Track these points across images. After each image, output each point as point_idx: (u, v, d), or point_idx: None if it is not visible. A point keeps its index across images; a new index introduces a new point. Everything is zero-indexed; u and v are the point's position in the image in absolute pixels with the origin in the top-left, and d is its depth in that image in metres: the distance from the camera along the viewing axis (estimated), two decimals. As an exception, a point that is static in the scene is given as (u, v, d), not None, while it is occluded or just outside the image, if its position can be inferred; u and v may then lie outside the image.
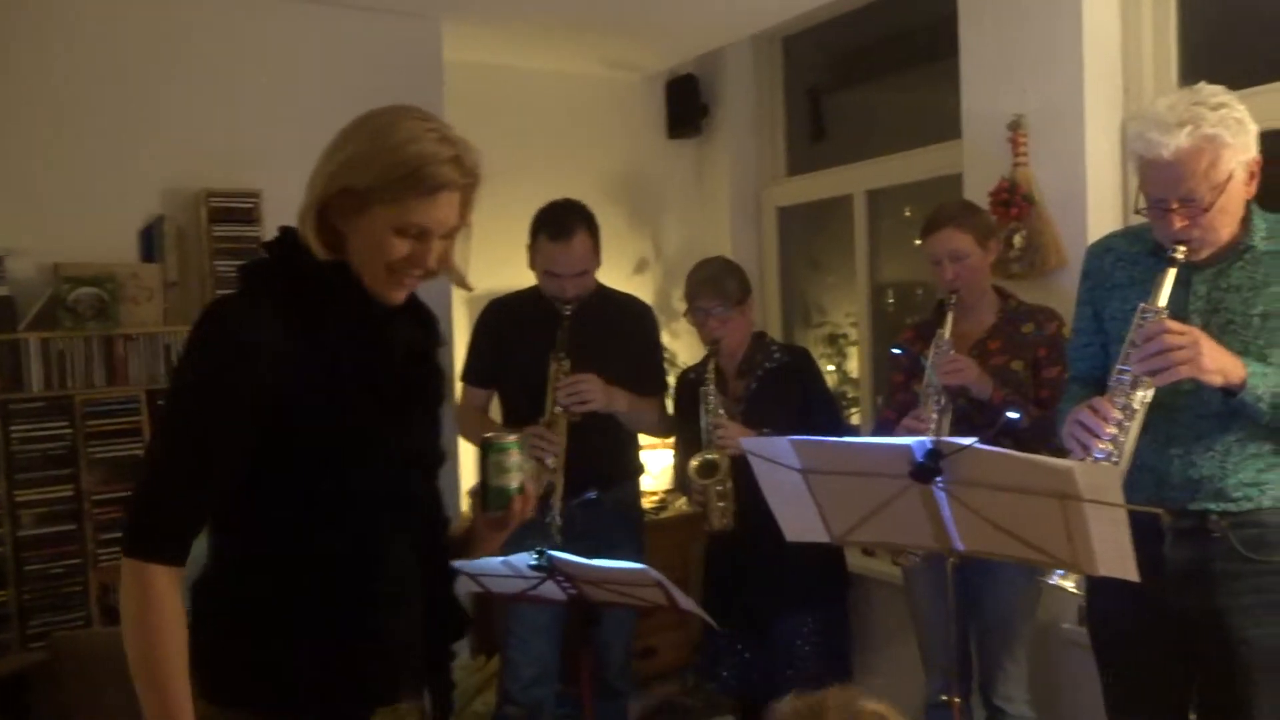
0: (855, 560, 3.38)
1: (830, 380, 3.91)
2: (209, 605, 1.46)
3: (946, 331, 2.46)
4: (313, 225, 1.43)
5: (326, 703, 1.43)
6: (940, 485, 1.76)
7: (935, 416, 2.37)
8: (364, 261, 1.44)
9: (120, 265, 2.91)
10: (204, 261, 3.04)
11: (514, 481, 1.57)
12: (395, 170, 1.39)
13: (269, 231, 3.09)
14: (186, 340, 1.43)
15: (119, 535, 2.72)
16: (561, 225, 2.71)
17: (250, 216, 3.07)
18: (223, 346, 1.39)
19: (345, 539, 1.44)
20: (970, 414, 2.41)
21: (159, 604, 1.34)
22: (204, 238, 3.03)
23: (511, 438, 1.58)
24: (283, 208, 3.05)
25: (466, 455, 3.04)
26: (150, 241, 3.04)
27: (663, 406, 2.99)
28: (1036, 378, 2.49)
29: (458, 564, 1.68)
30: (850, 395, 4.05)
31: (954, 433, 2.26)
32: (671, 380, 3.06)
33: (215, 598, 1.46)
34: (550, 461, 2.58)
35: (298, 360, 1.39)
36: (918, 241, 2.65)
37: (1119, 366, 1.86)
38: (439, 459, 1.61)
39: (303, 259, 1.44)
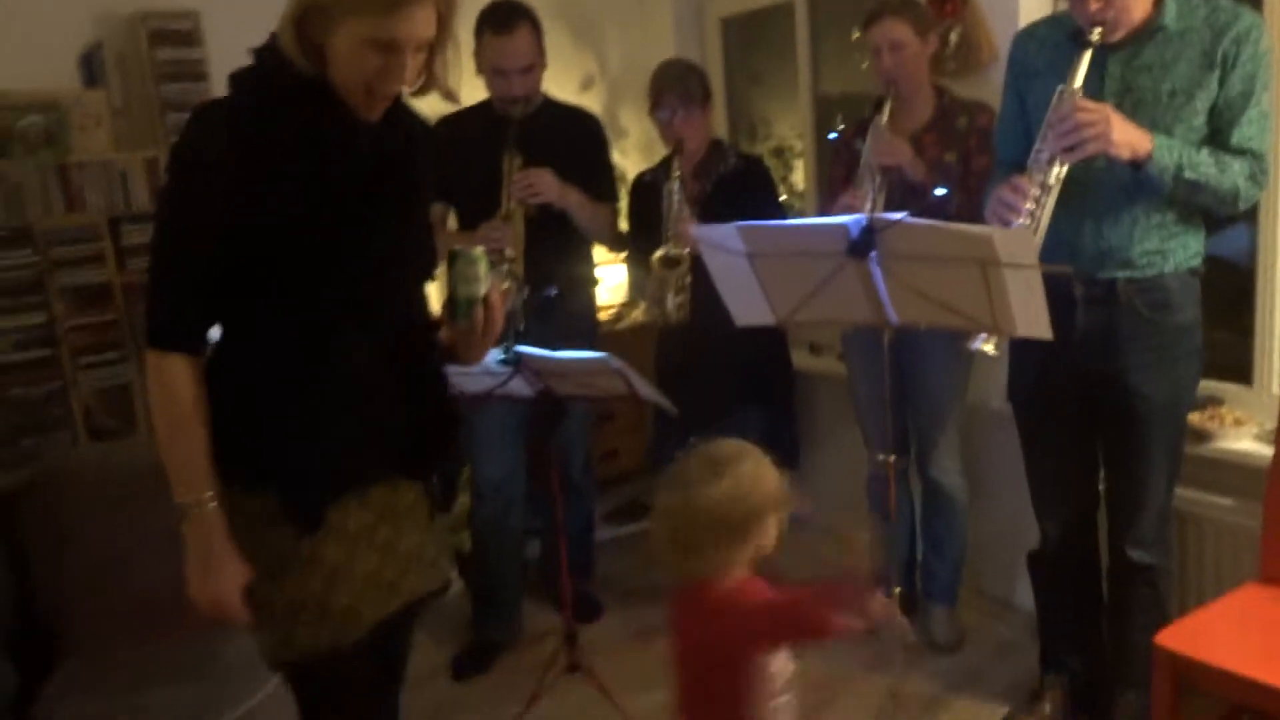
0: (801, 359, 3.59)
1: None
2: (210, 393, 1.58)
3: (884, 117, 2.58)
4: (291, 39, 1.47)
5: (294, 483, 1.55)
6: (874, 260, 1.91)
7: (871, 194, 2.52)
8: (340, 76, 1.48)
9: (63, 92, 2.89)
10: (148, 87, 3.01)
11: (479, 290, 1.61)
12: None
13: (212, 53, 3.10)
14: (171, 152, 1.56)
15: (96, 360, 2.85)
16: (504, 19, 2.76)
17: (190, 38, 3.02)
18: (191, 156, 1.50)
19: (301, 335, 1.54)
20: (904, 198, 2.55)
21: (171, 386, 1.52)
22: (145, 62, 2.99)
23: (478, 249, 1.62)
24: (223, 27, 3.08)
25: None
26: (90, 68, 3.00)
27: (615, 215, 3.09)
28: (966, 167, 2.63)
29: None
30: (796, 207, 4.16)
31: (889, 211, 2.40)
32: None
33: (212, 387, 1.57)
34: (509, 251, 2.70)
35: (258, 169, 1.47)
36: (864, 65, 2.73)
37: (1036, 146, 2.00)
38: (420, 265, 1.69)
39: (281, 71, 1.49)
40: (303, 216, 1.50)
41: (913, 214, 1.85)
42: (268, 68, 1.52)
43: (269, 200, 1.48)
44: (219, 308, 1.56)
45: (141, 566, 2.43)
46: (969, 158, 2.63)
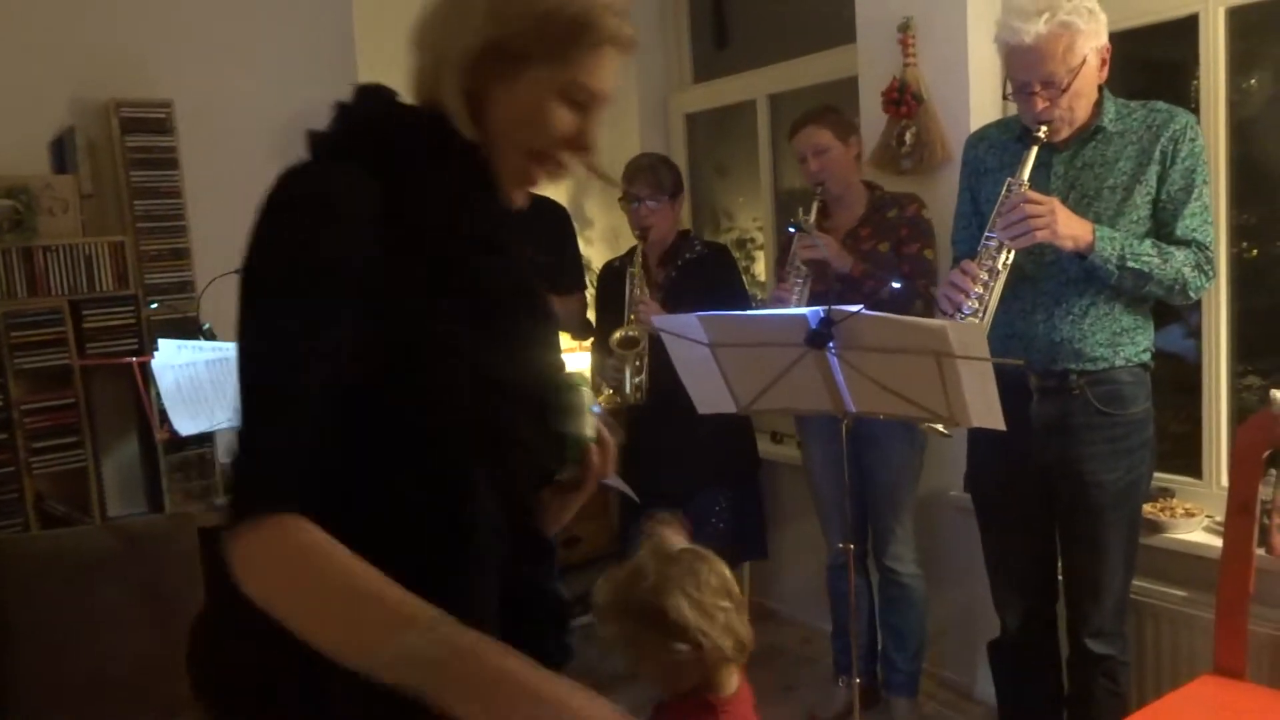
0: (764, 446, 3.61)
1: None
2: None
3: (811, 216, 2.70)
4: (457, 90, 1.08)
5: None
6: (832, 350, 1.95)
7: (798, 286, 2.65)
8: (508, 142, 1.11)
9: (33, 177, 2.91)
10: (118, 173, 3.04)
11: (589, 428, 1.19)
12: (559, 17, 1.08)
13: (183, 142, 3.14)
14: (261, 216, 1.03)
15: (52, 444, 2.81)
16: None
17: (163, 127, 3.06)
18: (317, 203, 1.03)
19: (427, 492, 1.05)
20: (842, 290, 2.64)
21: (305, 552, 0.94)
22: (116, 148, 3.03)
23: (578, 375, 1.23)
24: (196, 117, 3.11)
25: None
26: (62, 153, 3.03)
27: (582, 303, 3.14)
28: (899, 254, 2.74)
29: None
30: (759, 297, 4.24)
31: (813, 304, 2.49)
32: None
33: None
34: None
35: (406, 235, 1.04)
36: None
37: (986, 234, 2.08)
38: (554, 401, 1.18)
39: (429, 128, 1.09)
40: (447, 317, 1.06)
41: (866, 305, 1.91)
42: (401, 119, 1.11)
43: (414, 284, 1.04)
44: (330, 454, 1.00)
45: (90, 652, 2.40)
46: (900, 245, 2.75)
